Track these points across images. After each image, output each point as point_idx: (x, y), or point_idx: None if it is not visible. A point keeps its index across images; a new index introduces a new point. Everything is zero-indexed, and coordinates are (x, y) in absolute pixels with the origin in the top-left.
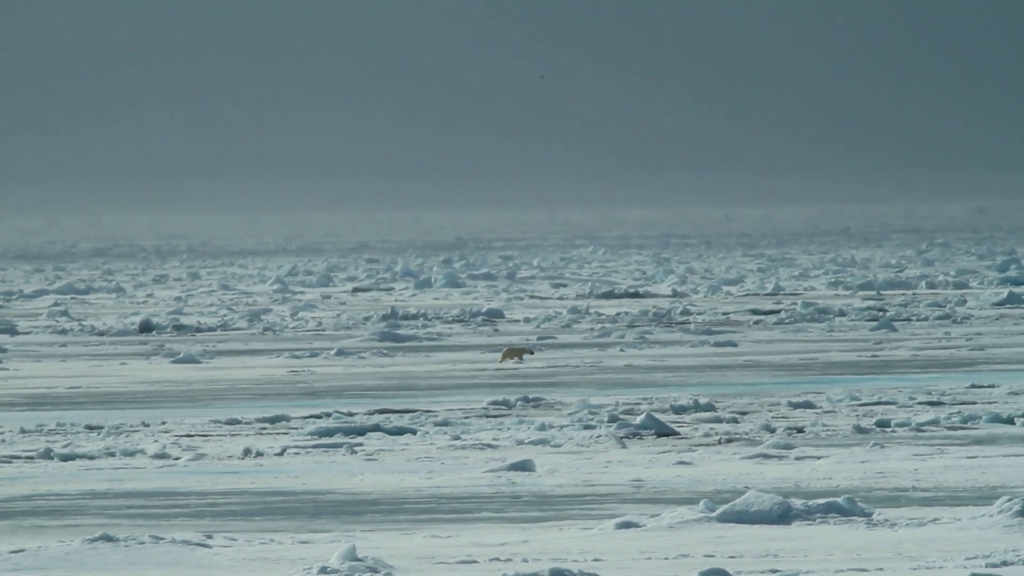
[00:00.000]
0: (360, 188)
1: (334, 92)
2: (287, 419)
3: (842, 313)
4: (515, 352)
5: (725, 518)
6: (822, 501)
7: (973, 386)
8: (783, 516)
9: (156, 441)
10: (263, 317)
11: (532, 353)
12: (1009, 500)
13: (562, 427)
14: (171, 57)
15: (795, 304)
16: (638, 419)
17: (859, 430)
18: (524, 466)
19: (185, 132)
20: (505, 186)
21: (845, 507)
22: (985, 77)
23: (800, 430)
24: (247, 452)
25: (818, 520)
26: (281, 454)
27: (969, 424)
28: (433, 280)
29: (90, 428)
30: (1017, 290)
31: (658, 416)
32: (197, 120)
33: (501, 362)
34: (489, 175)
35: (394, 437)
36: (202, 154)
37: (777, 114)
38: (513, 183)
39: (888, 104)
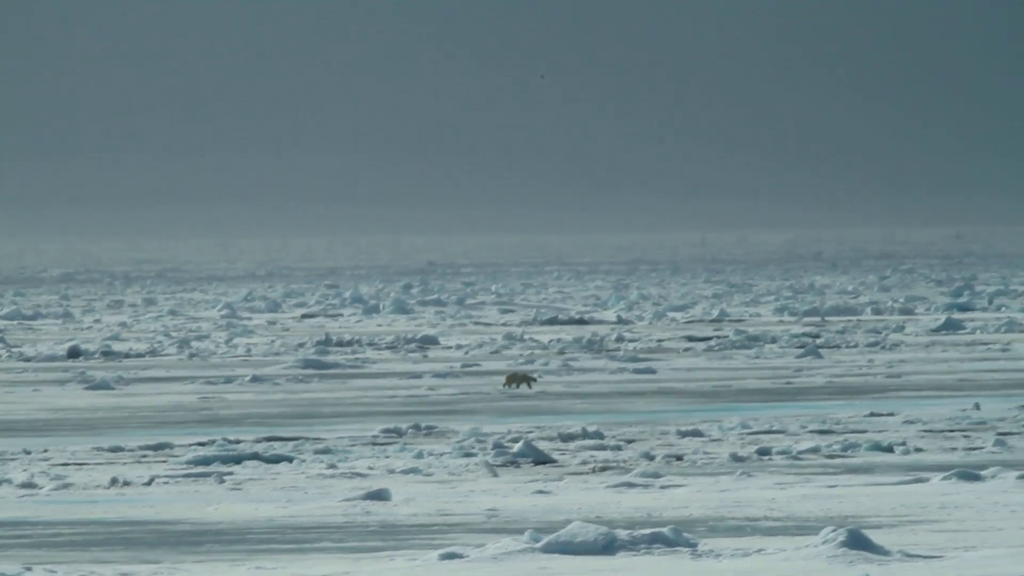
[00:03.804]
0: (345, 216)
1: (319, 125)
2: (170, 447)
3: (773, 340)
4: (518, 378)
5: (549, 549)
6: (647, 531)
7: (872, 414)
8: (608, 547)
9: (25, 470)
10: (193, 344)
11: (536, 380)
12: (834, 531)
13: (440, 455)
14: (158, 86)
15: (730, 332)
16: (516, 447)
17: (736, 458)
18: (380, 495)
19: (172, 160)
20: (488, 214)
21: (670, 538)
22: (966, 104)
23: (679, 458)
24: (114, 481)
25: (643, 551)
26: (149, 483)
27: (848, 452)
28: (382, 307)
29: None
30: (956, 316)
31: (546, 444)
32: (184, 150)
33: (504, 387)
34: (472, 203)
35: (269, 465)
36: (189, 182)
37: (758, 141)
38: (495, 210)
39: (868, 131)
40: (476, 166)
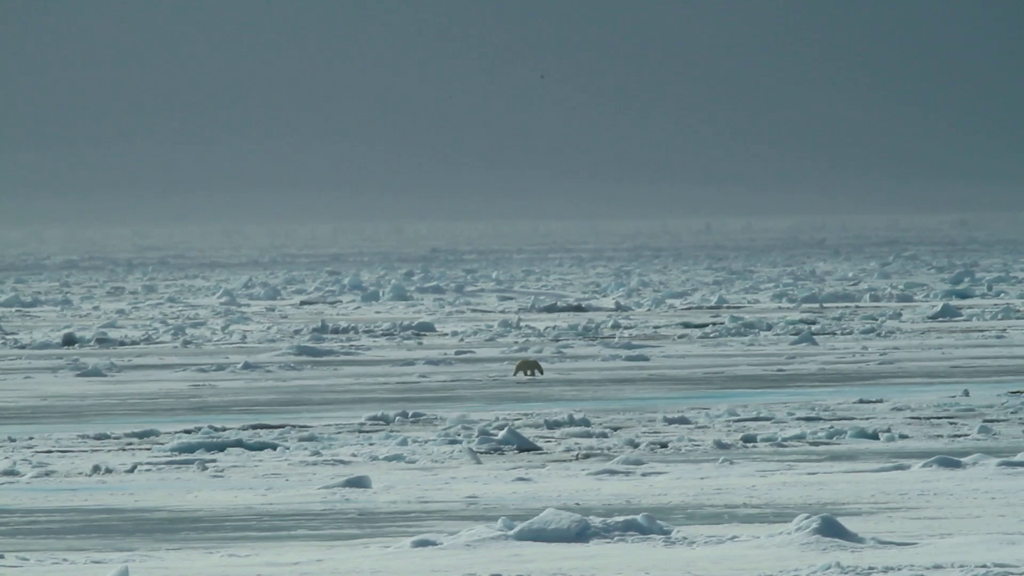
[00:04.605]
0: (351, 203)
1: (326, 115)
2: (156, 434)
3: (769, 327)
4: (527, 365)
5: (522, 536)
6: (620, 519)
7: (860, 401)
8: (581, 534)
9: (8, 458)
10: (188, 331)
11: (541, 370)
12: (807, 518)
13: (425, 442)
14: (164, 76)
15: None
16: (500, 434)
17: (720, 445)
18: (359, 482)
19: (178, 149)
20: (493, 201)
21: (644, 525)
22: (971, 92)
23: (664, 445)
24: (96, 469)
25: (616, 538)
26: (131, 471)
27: (833, 439)
28: (381, 293)
29: None
30: (953, 303)
31: (532, 431)
32: (190, 139)
33: (515, 375)
34: (477, 191)
35: (252, 453)
36: (195, 170)
37: (764, 129)
38: (500, 198)
39: (873, 118)
40: (481, 154)
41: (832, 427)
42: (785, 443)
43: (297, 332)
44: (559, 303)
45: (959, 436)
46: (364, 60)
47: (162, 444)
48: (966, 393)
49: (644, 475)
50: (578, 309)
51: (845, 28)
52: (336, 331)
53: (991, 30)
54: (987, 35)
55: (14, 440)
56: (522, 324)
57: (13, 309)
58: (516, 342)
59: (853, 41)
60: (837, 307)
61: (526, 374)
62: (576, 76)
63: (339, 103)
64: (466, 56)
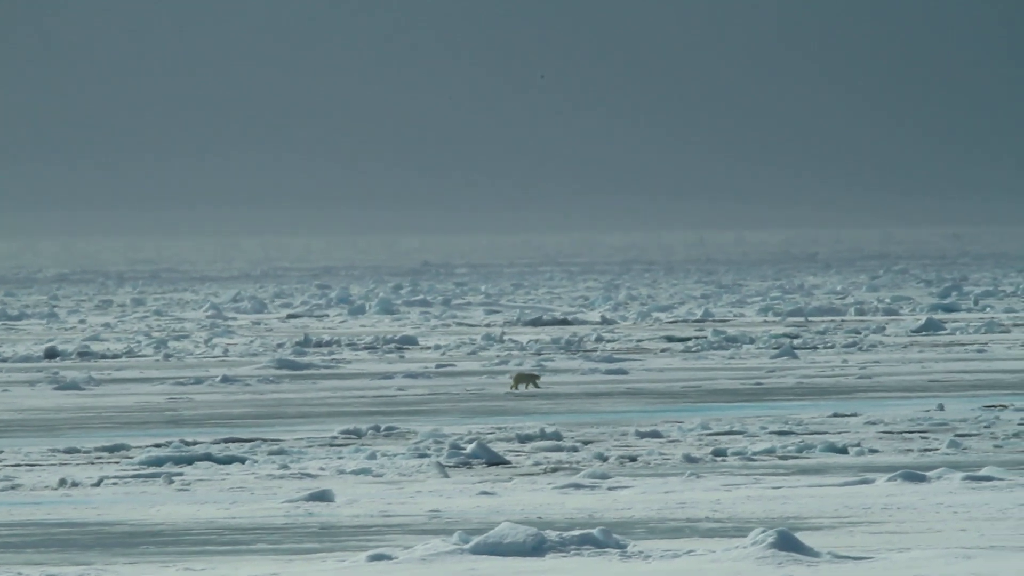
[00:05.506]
0: (344, 217)
1: (320, 128)
2: (126, 448)
3: (751, 341)
4: (525, 378)
5: (478, 550)
6: (577, 533)
7: (834, 415)
8: (537, 548)
9: None
10: (171, 344)
11: (539, 379)
12: (763, 532)
13: (393, 456)
14: (159, 90)
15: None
16: (469, 448)
17: (688, 459)
18: (323, 496)
19: (173, 162)
20: (486, 214)
21: (600, 539)
22: (964, 105)
23: (633, 459)
24: (62, 483)
25: (572, 552)
26: (97, 484)
27: (803, 453)
28: (367, 307)
29: None
30: (938, 317)
31: (503, 445)
32: (184, 152)
33: (513, 388)
34: (470, 204)
35: (220, 466)
36: (189, 183)
37: (757, 142)
38: (493, 211)
39: (866, 132)
40: (475, 167)
41: (803, 441)
42: (754, 457)
43: (280, 346)
44: (544, 317)
45: (928, 450)
46: (358, 75)
47: (131, 458)
48: (941, 407)
49: (609, 489)
50: (563, 323)
51: (838, 43)
52: (319, 345)
53: (983, 45)
54: (979, 50)
55: None
56: (505, 338)
57: None
58: (498, 356)
59: (846, 56)
60: (822, 321)
61: (517, 388)
62: (570, 90)
63: (336, 117)
64: (459, 71)
